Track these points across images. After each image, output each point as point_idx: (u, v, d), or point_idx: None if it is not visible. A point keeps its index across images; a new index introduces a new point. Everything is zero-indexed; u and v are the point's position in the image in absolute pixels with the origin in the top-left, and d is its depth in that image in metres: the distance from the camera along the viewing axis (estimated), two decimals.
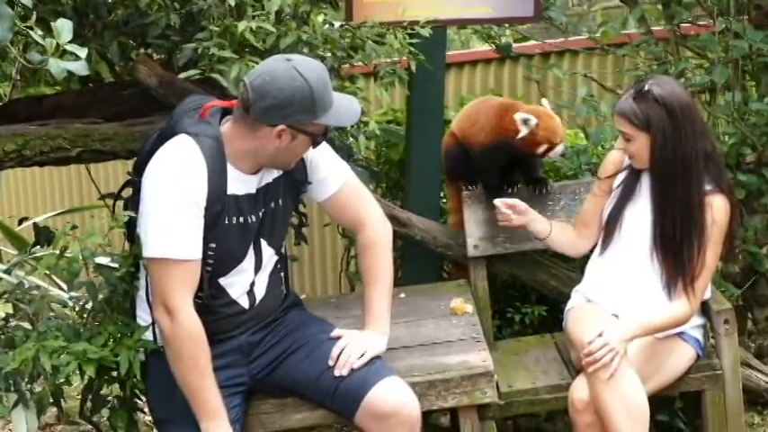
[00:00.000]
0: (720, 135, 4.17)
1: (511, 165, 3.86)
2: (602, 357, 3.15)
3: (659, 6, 4.51)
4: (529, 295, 4.15)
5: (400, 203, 4.31)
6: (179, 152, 2.89)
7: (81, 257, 2.98)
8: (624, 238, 3.45)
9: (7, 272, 3.41)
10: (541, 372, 3.56)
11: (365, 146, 3.66)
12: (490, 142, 3.77)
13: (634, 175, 3.47)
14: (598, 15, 5.14)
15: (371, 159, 4.68)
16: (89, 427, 3.60)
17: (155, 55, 3.70)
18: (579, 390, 3.26)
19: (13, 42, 2.78)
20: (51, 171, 7.70)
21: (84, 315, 3.17)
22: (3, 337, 3.17)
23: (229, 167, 2.93)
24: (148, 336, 3.02)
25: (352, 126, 3.37)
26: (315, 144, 2.97)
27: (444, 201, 4.22)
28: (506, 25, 5.10)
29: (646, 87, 3.31)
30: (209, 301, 2.99)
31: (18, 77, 4.38)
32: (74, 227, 3.08)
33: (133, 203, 3.04)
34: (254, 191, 3.00)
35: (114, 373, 3.05)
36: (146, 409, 3.28)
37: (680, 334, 3.42)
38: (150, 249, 2.88)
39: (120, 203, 3.28)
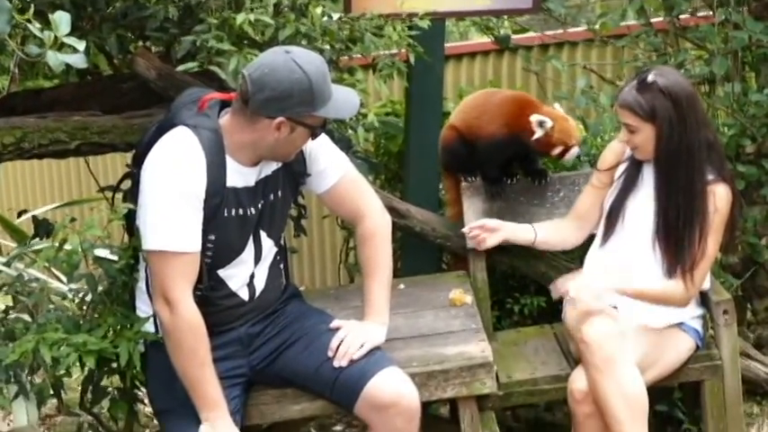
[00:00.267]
0: (720, 126, 4.17)
1: (513, 157, 3.87)
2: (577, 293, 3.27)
3: None
4: (528, 286, 4.16)
5: (399, 195, 4.31)
6: (178, 144, 2.90)
7: (80, 250, 2.98)
8: (627, 229, 3.45)
9: (7, 264, 3.42)
10: (540, 362, 3.57)
11: (364, 138, 3.67)
12: (502, 135, 3.76)
13: (635, 166, 3.47)
14: (597, 6, 5.12)
15: (370, 151, 4.68)
16: (89, 418, 3.60)
17: (153, 47, 3.70)
18: (578, 380, 3.27)
19: (11, 35, 2.78)
20: (50, 164, 7.71)
21: (84, 307, 3.17)
22: (3, 329, 3.17)
23: (228, 160, 2.93)
24: (148, 327, 3.02)
25: (351, 118, 3.37)
26: (314, 136, 2.97)
27: (443, 192, 4.22)
28: (505, 17, 5.10)
29: (650, 78, 3.30)
30: (209, 292, 3.00)
31: (16, 70, 4.38)
32: (73, 219, 3.08)
33: (132, 196, 3.04)
34: (253, 183, 3.00)
35: (114, 365, 3.06)
36: (146, 401, 3.28)
37: (679, 324, 3.43)
38: (150, 242, 2.89)
39: (119, 196, 3.29)
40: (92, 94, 3.79)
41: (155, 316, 2.99)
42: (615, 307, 3.41)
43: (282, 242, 3.21)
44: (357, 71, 3.60)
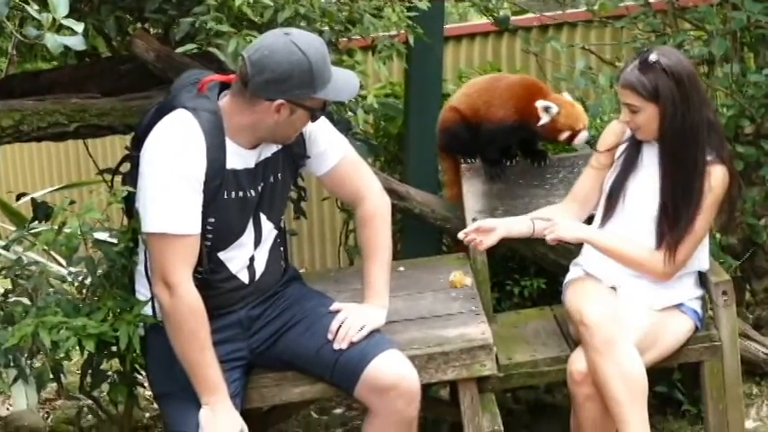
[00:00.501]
0: (719, 107, 4.17)
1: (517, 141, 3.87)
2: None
3: None
4: (528, 268, 4.16)
5: (399, 177, 4.31)
6: (177, 127, 2.89)
7: (79, 233, 2.97)
8: (627, 210, 3.45)
9: (6, 248, 3.41)
10: (541, 344, 3.57)
11: (363, 119, 3.67)
12: (511, 121, 3.76)
13: (635, 147, 3.46)
14: None
15: (370, 133, 4.67)
16: (89, 401, 3.61)
17: (152, 29, 3.69)
18: (577, 362, 3.27)
19: (10, 17, 2.77)
20: (49, 146, 7.70)
21: (84, 290, 3.17)
22: (2, 312, 3.16)
23: (228, 142, 2.92)
24: (148, 310, 3.02)
25: (350, 100, 3.36)
26: (313, 118, 2.97)
27: (441, 173, 4.21)
28: None
29: (652, 58, 3.29)
30: (209, 275, 2.99)
31: (14, 53, 4.37)
32: (72, 202, 3.07)
33: (131, 178, 3.03)
34: (252, 165, 2.99)
35: (114, 348, 3.05)
36: (146, 384, 3.28)
37: (678, 306, 3.43)
38: (149, 224, 2.88)
39: (118, 178, 3.28)
40: (90, 77, 3.78)
41: (153, 299, 2.99)
42: (615, 288, 3.42)
43: (282, 225, 3.21)
44: (356, 53, 3.60)
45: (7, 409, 4.50)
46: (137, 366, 3.17)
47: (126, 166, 3.18)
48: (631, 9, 4.64)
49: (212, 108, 2.92)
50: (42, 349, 3.02)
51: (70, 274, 3.24)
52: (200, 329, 2.89)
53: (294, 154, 3.10)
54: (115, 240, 3.08)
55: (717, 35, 4.12)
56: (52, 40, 2.50)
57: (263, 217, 3.07)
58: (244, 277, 3.08)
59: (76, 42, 2.55)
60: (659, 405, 3.93)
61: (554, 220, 3.41)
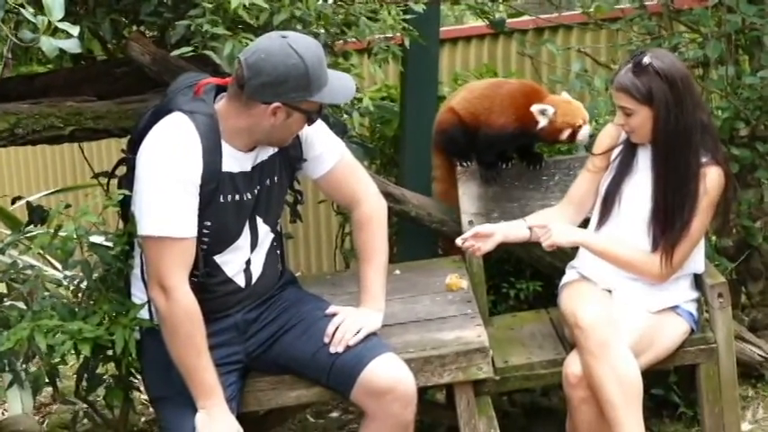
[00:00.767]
0: (714, 109, 4.17)
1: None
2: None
3: None
4: (524, 271, 4.16)
5: (395, 180, 4.30)
6: (173, 130, 2.89)
7: (75, 236, 2.97)
8: (623, 212, 3.45)
9: (1, 251, 3.40)
10: (537, 347, 3.57)
11: (359, 122, 3.66)
12: (512, 129, 3.76)
13: (630, 150, 3.47)
14: None
15: (366, 136, 4.67)
16: (85, 406, 3.60)
17: (147, 32, 3.68)
18: (573, 365, 3.27)
19: (5, 20, 2.76)
20: (44, 150, 7.68)
21: (79, 294, 3.17)
22: None
23: (224, 145, 2.92)
24: (143, 314, 3.01)
25: (346, 103, 3.36)
26: (310, 121, 2.97)
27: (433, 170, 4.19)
28: (500, 0, 5.09)
29: (645, 60, 3.29)
30: (205, 279, 2.99)
31: (9, 56, 4.36)
32: (68, 206, 3.08)
33: (127, 182, 3.03)
34: (249, 168, 2.99)
35: (110, 352, 3.05)
36: (141, 388, 3.28)
37: (674, 308, 3.43)
38: (145, 228, 2.88)
39: (114, 182, 3.27)
40: (86, 80, 3.77)
41: (149, 302, 2.98)
42: (610, 291, 3.42)
43: (279, 228, 3.21)
44: (352, 55, 3.59)
45: (2, 413, 4.49)
46: (133, 370, 3.17)
47: (122, 170, 3.18)
48: (627, 12, 4.64)
49: (208, 111, 2.91)
50: (38, 353, 3.02)
51: (66, 277, 3.23)
52: (197, 333, 2.88)
53: (290, 157, 3.09)
54: (111, 244, 3.08)
55: (712, 38, 4.12)
56: (48, 44, 2.50)
57: (259, 220, 3.06)
58: (240, 281, 3.07)
59: (72, 45, 2.55)
60: (655, 408, 3.93)
61: (548, 225, 3.41)
